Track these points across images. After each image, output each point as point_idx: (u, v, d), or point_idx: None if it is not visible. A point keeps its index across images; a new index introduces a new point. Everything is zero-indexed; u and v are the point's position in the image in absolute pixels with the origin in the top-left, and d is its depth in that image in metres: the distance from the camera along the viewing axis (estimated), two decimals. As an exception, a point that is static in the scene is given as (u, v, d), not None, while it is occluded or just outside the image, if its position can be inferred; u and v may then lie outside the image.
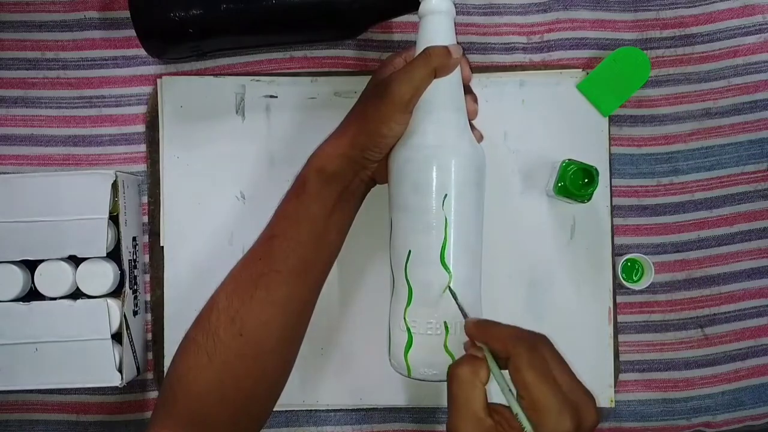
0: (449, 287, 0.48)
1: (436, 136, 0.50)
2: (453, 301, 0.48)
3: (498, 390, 0.41)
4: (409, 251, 0.49)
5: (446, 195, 0.48)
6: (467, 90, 0.53)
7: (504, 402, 0.40)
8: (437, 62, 0.49)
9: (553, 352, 0.42)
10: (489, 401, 0.41)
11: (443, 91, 0.50)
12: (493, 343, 0.42)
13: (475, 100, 0.54)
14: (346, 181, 0.51)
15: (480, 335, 0.44)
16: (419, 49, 0.51)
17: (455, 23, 0.53)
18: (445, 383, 0.43)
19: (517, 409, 0.39)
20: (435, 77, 0.50)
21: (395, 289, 0.51)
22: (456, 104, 0.51)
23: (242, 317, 0.49)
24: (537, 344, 0.41)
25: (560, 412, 0.38)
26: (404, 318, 0.49)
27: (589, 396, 0.41)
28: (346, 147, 0.50)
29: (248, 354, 0.49)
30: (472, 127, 0.53)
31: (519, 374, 0.39)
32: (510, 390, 0.40)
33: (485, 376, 0.41)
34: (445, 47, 0.50)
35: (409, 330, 0.49)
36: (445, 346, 0.48)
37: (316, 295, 0.54)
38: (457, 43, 0.52)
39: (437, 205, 0.48)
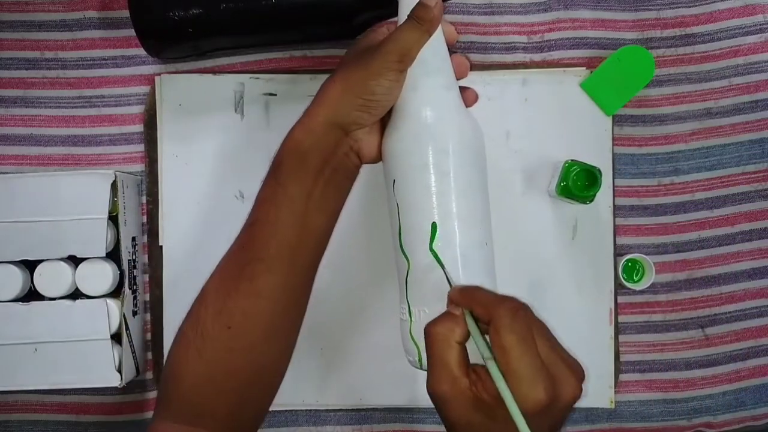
0: (432, 249, 0.46)
1: (419, 112, 0.48)
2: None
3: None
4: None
5: (395, 180, 0.48)
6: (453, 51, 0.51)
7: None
8: (422, 17, 0.47)
9: (538, 321, 0.40)
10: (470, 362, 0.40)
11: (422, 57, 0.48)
12: (476, 306, 0.40)
13: (464, 63, 0.52)
14: (325, 155, 0.48)
15: (463, 300, 0.42)
16: (402, 14, 0.49)
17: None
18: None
19: (494, 371, 0.37)
20: (428, 34, 0.48)
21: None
22: (436, 65, 0.49)
23: (229, 310, 0.48)
24: (520, 310, 0.39)
25: (533, 380, 0.37)
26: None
27: (572, 370, 0.39)
28: (328, 113, 0.48)
29: (237, 347, 0.48)
30: (463, 89, 0.51)
31: (498, 336, 0.38)
32: (490, 352, 0.39)
33: (461, 335, 0.40)
34: (420, 2, 0.48)
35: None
36: (410, 333, 0.48)
37: (306, 282, 0.51)
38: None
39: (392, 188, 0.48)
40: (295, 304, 0.51)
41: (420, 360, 0.48)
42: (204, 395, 0.49)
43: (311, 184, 0.48)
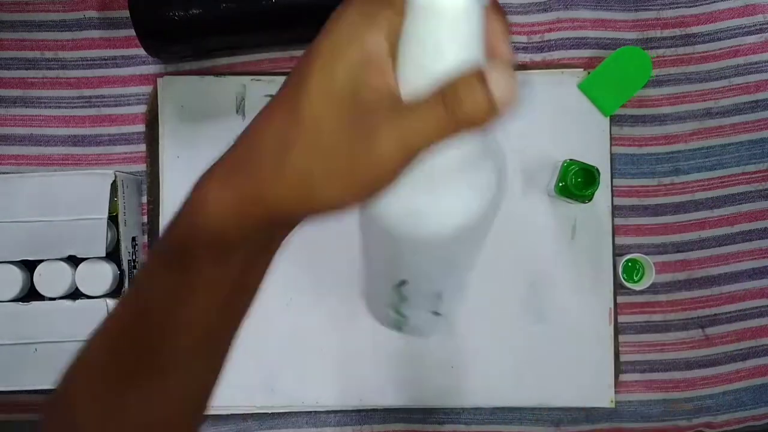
0: None
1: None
2: None
3: None
4: None
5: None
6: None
7: None
8: (463, 116, 0.26)
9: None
10: None
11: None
12: None
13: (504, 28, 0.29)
14: (256, 248, 0.32)
15: None
16: (407, 60, 0.28)
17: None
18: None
19: None
20: (455, 134, 0.27)
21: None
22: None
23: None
24: None
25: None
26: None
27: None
28: (257, 203, 0.30)
29: None
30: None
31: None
32: None
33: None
34: (485, 89, 0.27)
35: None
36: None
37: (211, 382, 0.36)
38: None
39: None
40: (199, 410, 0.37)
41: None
42: None
43: (229, 290, 0.33)
